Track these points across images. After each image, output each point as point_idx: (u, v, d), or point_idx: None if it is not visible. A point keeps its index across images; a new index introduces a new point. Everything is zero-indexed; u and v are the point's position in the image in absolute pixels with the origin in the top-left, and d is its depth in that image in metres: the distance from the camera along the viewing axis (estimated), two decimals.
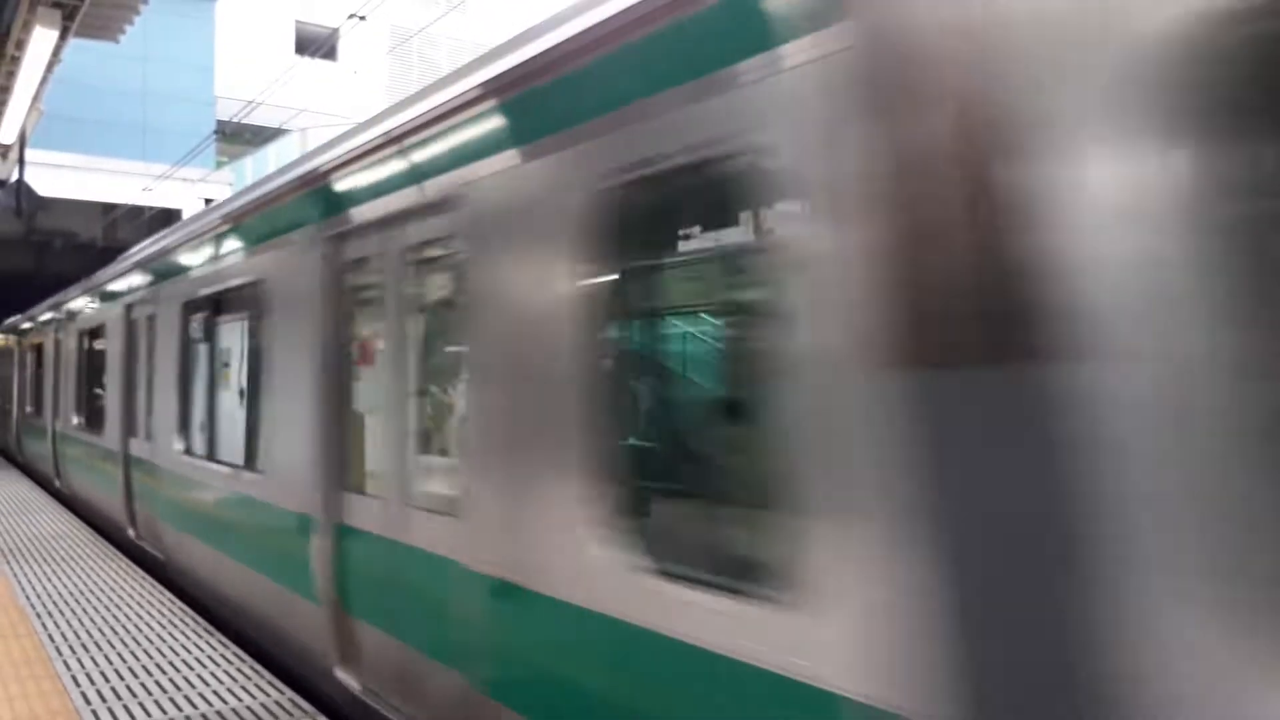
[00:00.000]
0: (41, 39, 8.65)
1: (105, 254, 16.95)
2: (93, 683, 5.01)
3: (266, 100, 18.07)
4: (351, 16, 15.24)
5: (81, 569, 8.06)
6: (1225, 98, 1.62)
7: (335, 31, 20.37)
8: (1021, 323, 1.77)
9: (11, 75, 9.73)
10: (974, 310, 1.86)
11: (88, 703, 4.70)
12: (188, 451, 7.39)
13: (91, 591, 7.18)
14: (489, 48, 3.78)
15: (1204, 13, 1.58)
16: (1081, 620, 1.68)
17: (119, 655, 5.49)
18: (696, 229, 3.28)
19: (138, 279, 9.41)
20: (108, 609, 6.62)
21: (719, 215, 3.02)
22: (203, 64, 25.95)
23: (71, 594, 7.07)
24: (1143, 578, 1.62)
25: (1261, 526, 1.52)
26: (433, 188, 3.86)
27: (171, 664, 5.33)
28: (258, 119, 21.25)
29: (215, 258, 6.91)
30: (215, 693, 4.84)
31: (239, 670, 5.21)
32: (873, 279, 2.04)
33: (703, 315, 3.77)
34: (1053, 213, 1.74)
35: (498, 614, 3.37)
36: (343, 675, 4.62)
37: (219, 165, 24.94)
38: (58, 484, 13.76)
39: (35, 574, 7.80)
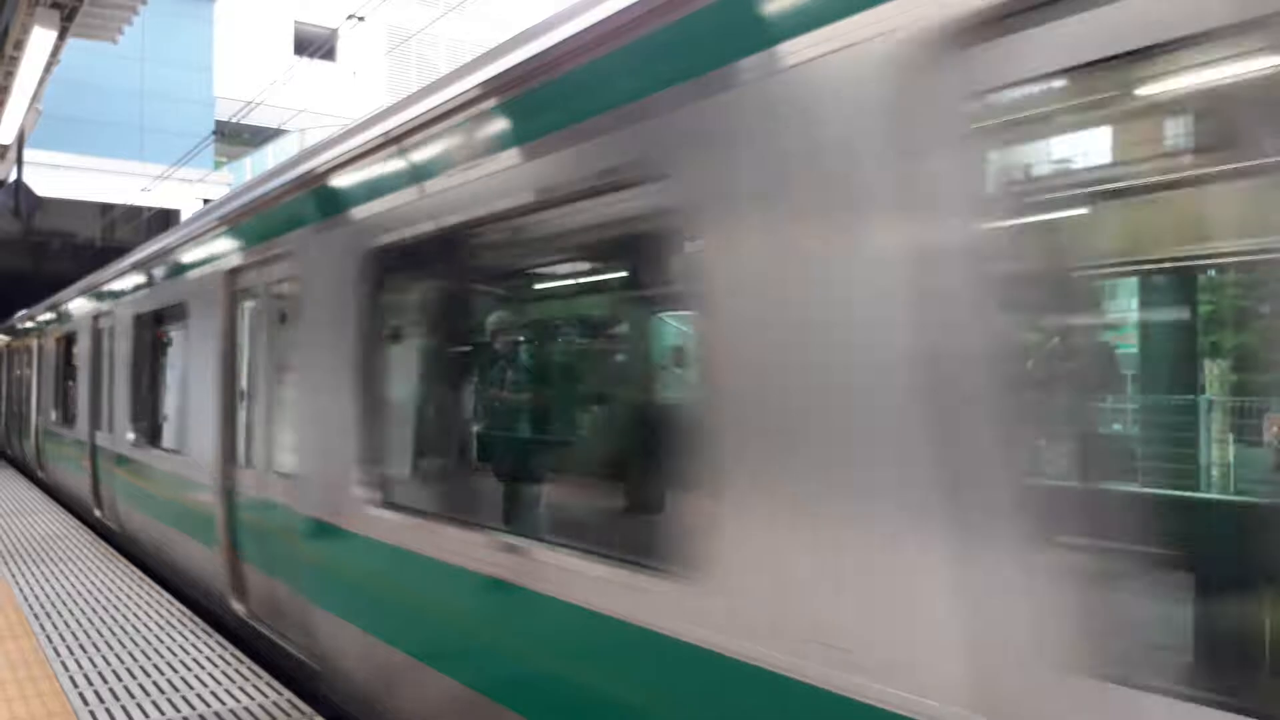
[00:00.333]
0: (40, 39, 8.65)
1: (104, 254, 16.95)
2: (91, 683, 5.00)
3: (265, 101, 18.07)
4: (350, 17, 15.24)
5: (80, 570, 8.05)
6: None
7: (334, 32, 20.37)
8: None
9: (10, 75, 9.72)
10: None
11: (85, 704, 4.69)
12: (136, 442, 9.02)
13: (90, 592, 7.17)
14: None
15: None
16: None
17: (117, 656, 5.48)
18: None
19: (103, 294, 11.06)
20: (106, 610, 6.61)
21: None
22: (201, 64, 25.90)
23: (70, 595, 7.06)
24: None
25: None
26: (275, 244, 5.62)
27: (170, 664, 5.32)
28: (256, 119, 21.23)
29: (150, 284, 8.90)
30: (214, 693, 4.84)
31: (238, 670, 5.20)
32: None
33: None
34: None
35: (315, 542, 4.96)
36: (235, 604, 6.19)
37: (217, 166, 24.92)
38: (41, 474, 15.46)
39: (33, 575, 7.79)
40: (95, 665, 5.31)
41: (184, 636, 5.92)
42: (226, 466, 6.31)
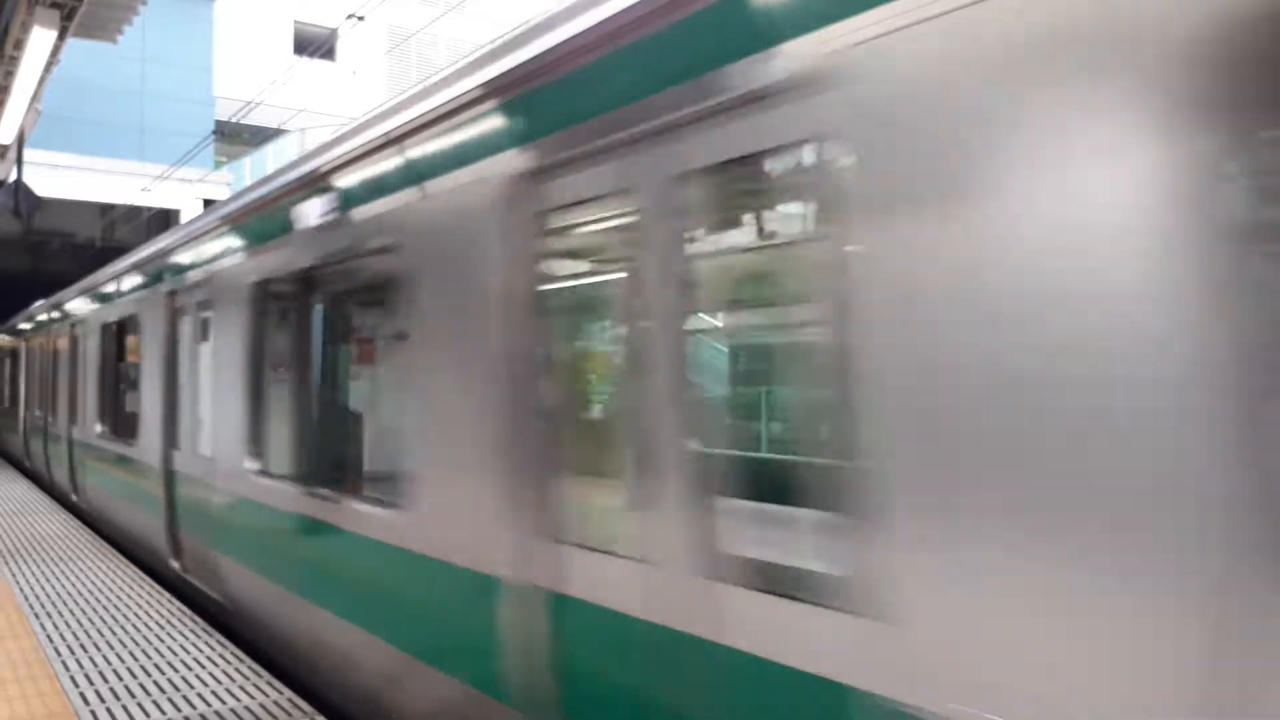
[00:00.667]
0: (40, 39, 8.66)
1: (103, 254, 16.95)
2: (91, 683, 5.00)
3: (265, 100, 18.07)
4: (350, 17, 15.24)
5: (80, 569, 8.05)
6: None
7: (334, 32, 20.37)
8: None
9: (10, 75, 9.72)
10: None
11: (86, 703, 4.69)
12: (102, 434, 10.42)
13: (90, 592, 7.17)
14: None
15: None
16: None
17: (118, 655, 5.49)
18: None
19: (81, 303, 12.12)
20: (106, 609, 6.61)
21: None
22: (201, 64, 25.90)
23: (70, 595, 7.07)
24: None
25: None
26: (201, 271, 7.15)
27: (170, 664, 5.33)
28: (256, 119, 21.26)
29: (113, 295, 10.27)
30: (214, 693, 4.84)
31: (238, 670, 5.20)
32: None
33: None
34: None
35: (226, 509, 6.38)
36: (173, 564, 7.72)
37: (217, 165, 24.92)
38: (28, 464, 16.68)
39: (34, 574, 7.79)
40: (96, 665, 5.31)
41: (185, 636, 5.92)
42: (165, 449, 7.91)
